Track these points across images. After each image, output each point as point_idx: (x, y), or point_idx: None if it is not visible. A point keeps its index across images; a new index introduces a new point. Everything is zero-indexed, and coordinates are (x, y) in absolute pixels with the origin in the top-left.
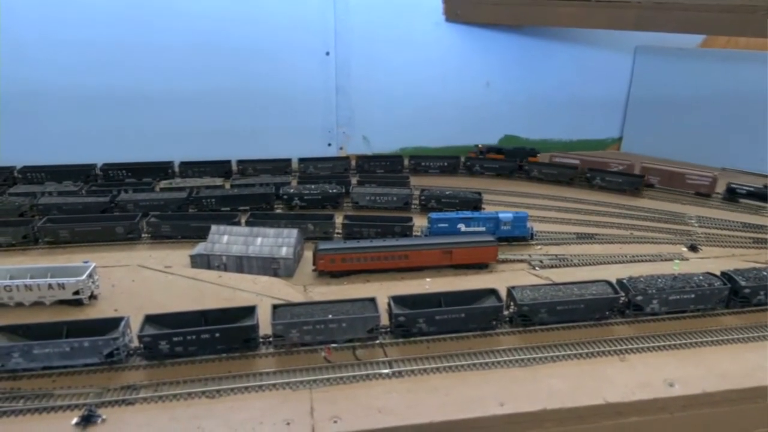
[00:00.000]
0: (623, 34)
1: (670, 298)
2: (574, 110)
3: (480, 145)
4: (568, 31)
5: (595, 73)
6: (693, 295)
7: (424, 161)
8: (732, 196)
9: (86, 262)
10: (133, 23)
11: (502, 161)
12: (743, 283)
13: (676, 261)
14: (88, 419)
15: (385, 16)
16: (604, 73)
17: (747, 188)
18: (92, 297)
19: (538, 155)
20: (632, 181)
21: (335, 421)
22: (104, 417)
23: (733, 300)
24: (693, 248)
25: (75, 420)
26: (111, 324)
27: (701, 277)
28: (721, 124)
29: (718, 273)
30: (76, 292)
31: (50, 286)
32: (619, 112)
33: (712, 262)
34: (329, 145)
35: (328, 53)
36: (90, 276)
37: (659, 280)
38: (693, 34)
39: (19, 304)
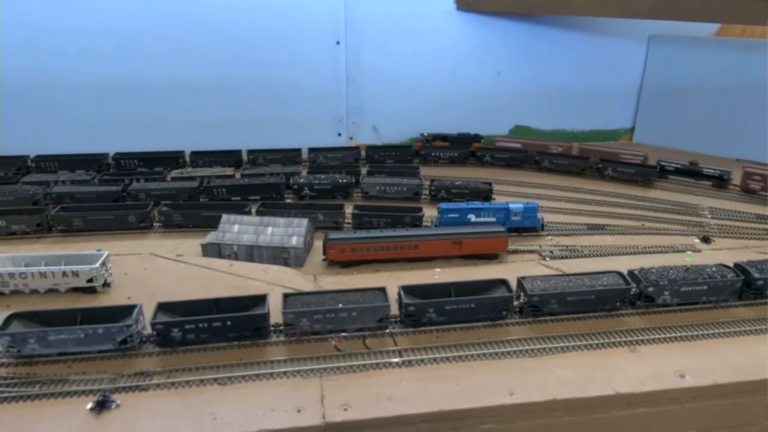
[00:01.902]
0: (637, 22)
1: (682, 289)
2: (587, 100)
3: (425, 134)
4: (581, 20)
5: (608, 63)
6: (705, 287)
7: (434, 151)
8: (661, 173)
9: (99, 250)
10: (143, 12)
11: (514, 152)
12: (757, 275)
13: (689, 252)
14: (102, 404)
15: (396, 5)
16: (617, 62)
17: (675, 165)
18: (105, 285)
19: (482, 140)
20: (644, 172)
21: (345, 409)
22: (118, 402)
23: (746, 292)
24: (706, 240)
25: (90, 405)
26: (124, 311)
27: (714, 269)
28: (736, 115)
29: (731, 264)
30: (90, 280)
31: (64, 273)
32: (632, 102)
33: (725, 253)
34: (339, 135)
35: (338, 43)
36: (103, 264)
37: (671, 271)
38: (708, 23)
39: (34, 291)
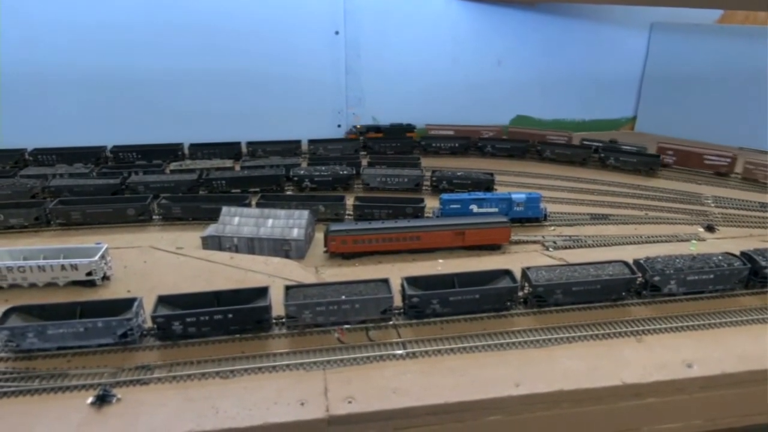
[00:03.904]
0: (639, 9)
1: (689, 278)
2: (588, 89)
3: (358, 126)
4: (583, 8)
5: (609, 51)
6: (712, 276)
7: (435, 142)
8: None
9: (98, 243)
10: (141, 5)
11: (515, 142)
12: (763, 263)
13: (693, 241)
14: (103, 399)
15: None
16: (619, 50)
17: (596, 144)
18: (105, 278)
19: (415, 130)
20: (647, 161)
21: (349, 402)
22: (119, 396)
23: (752, 280)
24: (710, 228)
25: (90, 399)
26: (124, 304)
27: (720, 257)
28: (739, 103)
29: (736, 253)
30: (89, 273)
31: (63, 267)
32: (634, 91)
33: (729, 242)
34: (339, 126)
35: (337, 33)
36: (102, 257)
37: (677, 260)
38: (710, 9)
39: (33, 285)
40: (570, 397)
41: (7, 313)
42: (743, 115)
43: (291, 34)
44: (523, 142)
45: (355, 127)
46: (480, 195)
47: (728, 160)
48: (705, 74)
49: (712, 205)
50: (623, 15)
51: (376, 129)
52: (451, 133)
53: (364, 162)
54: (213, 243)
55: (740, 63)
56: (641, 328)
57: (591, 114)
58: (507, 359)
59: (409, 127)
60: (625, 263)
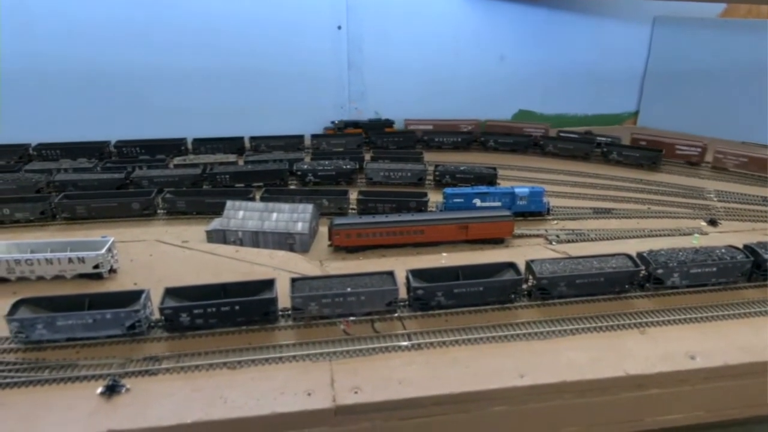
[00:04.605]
0: (641, 3)
1: (692, 271)
2: (591, 84)
3: (336, 121)
4: (585, 2)
5: (612, 46)
6: (715, 269)
7: (437, 136)
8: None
9: (105, 237)
10: (144, 0)
11: (518, 136)
12: (766, 257)
13: (696, 235)
14: (112, 389)
15: None
16: (622, 45)
17: (572, 135)
18: (112, 271)
19: (394, 125)
20: (650, 156)
21: (356, 392)
22: (128, 386)
23: (755, 273)
24: (712, 222)
25: (100, 389)
26: (132, 296)
27: (723, 251)
28: (742, 97)
29: (739, 246)
30: (96, 266)
31: (70, 260)
32: (636, 86)
33: (732, 236)
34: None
35: (339, 27)
36: (109, 250)
37: (680, 253)
38: (713, 3)
39: (41, 278)
40: (573, 388)
41: (16, 305)
42: (746, 110)
43: (293, 29)
44: (526, 137)
45: (332, 122)
46: (483, 189)
47: (698, 149)
48: (708, 68)
49: (715, 199)
50: (626, 9)
51: (354, 125)
52: (430, 127)
53: (367, 156)
54: (218, 237)
55: (743, 57)
56: (644, 320)
57: (593, 109)
58: (511, 351)
59: (388, 123)
60: (629, 256)
